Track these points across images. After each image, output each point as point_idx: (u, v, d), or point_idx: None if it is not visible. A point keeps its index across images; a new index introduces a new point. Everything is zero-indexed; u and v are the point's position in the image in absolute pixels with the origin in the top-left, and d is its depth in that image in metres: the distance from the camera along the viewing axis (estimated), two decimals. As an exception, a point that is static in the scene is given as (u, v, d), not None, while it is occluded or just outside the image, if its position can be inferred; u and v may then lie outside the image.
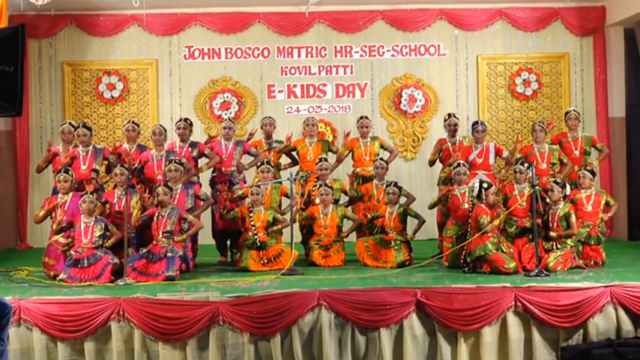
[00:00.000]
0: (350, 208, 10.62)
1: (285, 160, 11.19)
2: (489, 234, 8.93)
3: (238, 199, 10.08)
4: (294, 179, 9.76)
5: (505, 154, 10.61)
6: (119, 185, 9.53)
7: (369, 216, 10.10)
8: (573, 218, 9.18)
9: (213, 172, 10.50)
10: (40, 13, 12.57)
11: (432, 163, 11.06)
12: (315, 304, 7.67)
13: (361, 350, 7.73)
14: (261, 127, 11.14)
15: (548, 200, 9.41)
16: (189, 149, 10.21)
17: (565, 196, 9.35)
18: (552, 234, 9.20)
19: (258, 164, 10.23)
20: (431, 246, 10.63)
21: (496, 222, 9.01)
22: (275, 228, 9.86)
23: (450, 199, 9.67)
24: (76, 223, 9.04)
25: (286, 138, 11.15)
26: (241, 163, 10.48)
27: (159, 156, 10.05)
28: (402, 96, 13.21)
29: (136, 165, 10.00)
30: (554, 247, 9.15)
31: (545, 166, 10.33)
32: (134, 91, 13.09)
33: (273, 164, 10.51)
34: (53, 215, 9.35)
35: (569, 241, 9.16)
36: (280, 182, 10.34)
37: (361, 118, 11.14)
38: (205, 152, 10.27)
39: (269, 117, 11.36)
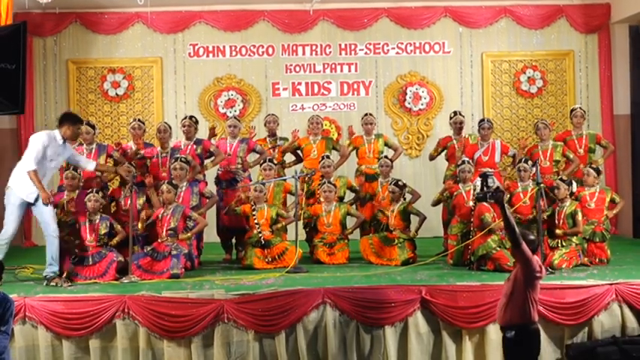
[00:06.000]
0: (355, 205, 10.62)
1: (289, 157, 11.18)
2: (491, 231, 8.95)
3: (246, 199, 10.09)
4: (299, 177, 9.77)
5: (511, 152, 10.61)
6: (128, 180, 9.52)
7: (381, 214, 10.09)
8: (580, 216, 9.18)
9: (218, 169, 10.51)
10: (45, 11, 12.58)
11: (432, 157, 11.07)
12: (319, 301, 7.69)
13: (366, 348, 7.75)
14: (265, 125, 11.13)
15: (555, 198, 9.40)
16: (195, 147, 10.19)
17: (572, 193, 9.36)
18: (558, 232, 9.20)
19: (261, 162, 10.24)
20: (435, 244, 10.62)
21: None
22: (279, 225, 9.87)
23: (454, 196, 9.68)
24: (81, 221, 9.04)
25: (292, 134, 11.10)
26: (246, 161, 10.48)
27: (164, 153, 10.06)
28: (406, 94, 13.21)
29: (139, 153, 10.02)
30: (559, 245, 9.15)
31: (547, 163, 10.30)
32: (139, 89, 13.09)
33: (277, 162, 10.51)
34: (58, 212, 9.35)
35: (574, 238, 9.16)
36: (285, 180, 10.35)
37: (365, 114, 11.15)
38: (211, 149, 10.26)
39: (272, 114, 11.34)
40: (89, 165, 9.29)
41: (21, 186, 8.55)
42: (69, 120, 8.89)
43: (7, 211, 8.60)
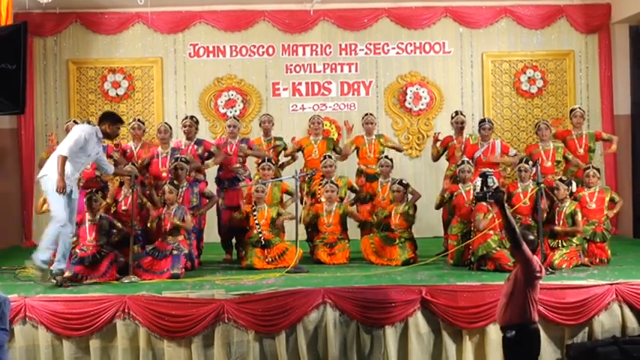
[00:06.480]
0: (355, 206, 10.64)
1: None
2: (491, 232, 8.94)
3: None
4: (299, 177, 9.77)
5: (512, 152, 10.60)
6: (126, 183, 9.53)
7: (375, 218, 10.12)
8: (579, 216, 9.19)
9: (218, 169, 10.51)
10: (45, 11, 12.58)
11: (435, 157, 11.03)
12: (320, 301, 7.69)
13: (366, 348, 7.74)
14: (260, 125, 11.13)
15: (555, 199, 9.41)
16: (195, 147, 10.20)
17: (571, 194, 9.36)
18: (558, 228, 9.20)
19: (260, 162, 10.25)
20: (435, 244, 10.62)
21: (489, 215, 8.99)
22: (282, 218, 9.91)
23: (454, 196, 9.68)
24: (81, 221, 9.04)
25: (293, 142, 11.11)
26: (244, 152, 10.44)
27: (164, 153, 10.05)
28: (406, 94, 13.21)
29: (140, 161, 10.00)
30: (560, 245, 9.15)
31: (549, 164, 10.28)
32: (139, 89, 13.10)
33: (273, 162, 10.51)
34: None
35: (574, 239, 9.17)
36: (281, 180, 10.35)
37: (366, 114, 11.18)
38: (211, 150, 10.26)
39: (267, 114, 11.35)
40: (110, 168, 9.15)
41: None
42: (109, 119, 8.78)
43: (51, 199, 8.36)
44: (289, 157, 11.13)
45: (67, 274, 8.67)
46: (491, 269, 8.82)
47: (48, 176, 8.35)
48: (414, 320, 7.75)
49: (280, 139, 11.08)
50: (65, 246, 8.45)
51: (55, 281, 8.35)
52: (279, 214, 9.89)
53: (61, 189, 8.22)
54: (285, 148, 11.03)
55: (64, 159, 8.24)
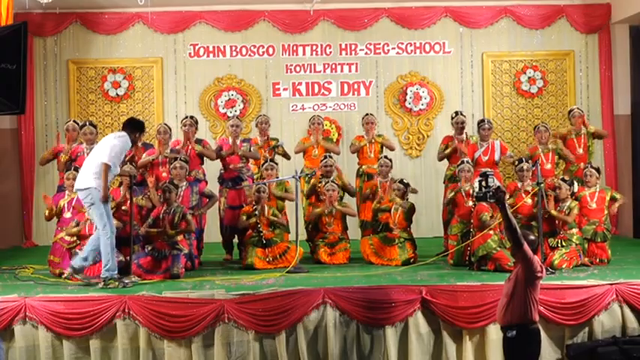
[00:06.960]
0: (356, 205, 10.65)
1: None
2: (491, 232, 8.94)
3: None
4: (299, 177, 9.76)
5: (509, 153, 10.59)
6: (125, 183, 9.53)
7: (377, 205, 10.08)
8: (575, 210, 9.21)
9: (221, 168, 10.50)
10: (46, 11, 12.59)
11: (441, 158, 10.99)
12: (320, 301, 7.68)
13: (366, 348, 7.74)
14: (256, 125, 11.12)
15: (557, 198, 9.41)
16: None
17: (572, 194, 9.36)
18: (553, 212, 9.17)
19: (262, 163, 10.25)
20: (435, 244, 10.62)
21: (497, 214, 9.00)
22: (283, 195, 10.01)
23: (455, 195, 9.69)
24: (81, 221, 9.04)
25: (310, 133, 11.14)
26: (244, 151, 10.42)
27: (164, 154, 10.03)
28: (407, 94, 13.19)
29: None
30: (560, 245, 9.15)
31: (549, 166, 10.29)
32: (139, 89, 13.09)
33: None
34: (60, 213, 9.34)
35: (574, 238, 9.17)
36: (281, 180, 10.35)
37: (366, 114, 11.19)
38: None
39: (264, 115, 11.38)
40: (117, 170, 9.10)
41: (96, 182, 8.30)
42: (140, 128, 8.84)
43: (96, 211, 8.28)
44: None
45: (66, 273, 8.70)
46: (492, 269, 8.82)
47: (96, 189, 8.27)
48: (414, 320, 7.74)
49: (276, 139, 11.07)
50: (95, 245, 8.41)
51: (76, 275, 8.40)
52: (275, 215, 9.88)
53: (105, 199, 8.25)
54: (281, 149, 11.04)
55: (107, 167, 8.25)
